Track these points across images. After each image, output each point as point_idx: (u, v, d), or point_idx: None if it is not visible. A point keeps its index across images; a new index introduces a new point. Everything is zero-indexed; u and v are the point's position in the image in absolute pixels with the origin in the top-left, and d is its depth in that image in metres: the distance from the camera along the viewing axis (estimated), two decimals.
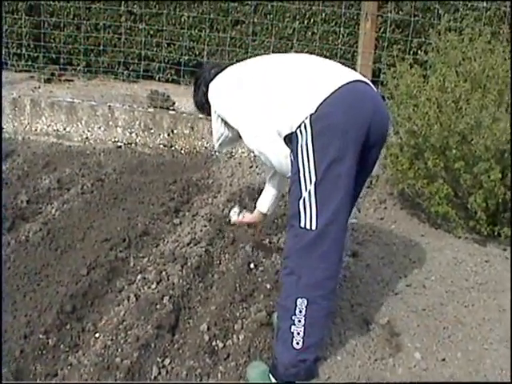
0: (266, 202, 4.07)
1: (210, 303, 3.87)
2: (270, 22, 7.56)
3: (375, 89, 3.22)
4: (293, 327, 3.05)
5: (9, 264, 4.11)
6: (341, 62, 3.32)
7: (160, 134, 6.93)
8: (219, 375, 3.28)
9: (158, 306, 3.72)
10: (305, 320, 3.04)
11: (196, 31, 7.84)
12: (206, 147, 6.82)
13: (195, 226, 4.84)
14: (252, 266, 4.33)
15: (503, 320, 3.95)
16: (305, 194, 2.98)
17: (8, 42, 7.87)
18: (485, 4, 7.30)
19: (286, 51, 7.26)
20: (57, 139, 6.95)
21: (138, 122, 6.95)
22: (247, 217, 4.24)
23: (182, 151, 6.80)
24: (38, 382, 3.15)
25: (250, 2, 7.54)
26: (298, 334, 3.06)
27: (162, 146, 6.88)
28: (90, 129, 7.02)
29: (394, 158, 5.22)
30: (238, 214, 4.25)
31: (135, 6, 7.84)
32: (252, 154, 6.50)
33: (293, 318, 3.05)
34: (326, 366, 3.42)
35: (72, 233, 4.64)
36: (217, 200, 5.44)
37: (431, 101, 4.92)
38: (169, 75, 8.00)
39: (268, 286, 4.08)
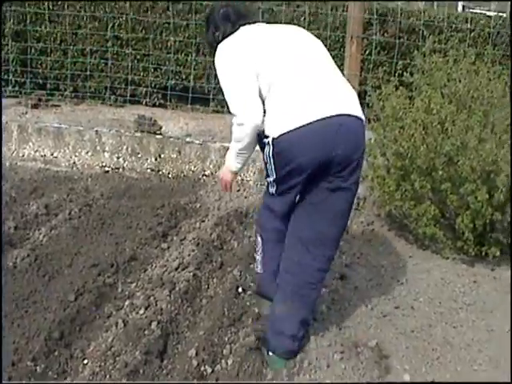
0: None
1: (199, 328, 3.86)
2: None
3: (358, 118, 3.39)
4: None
5: None
6: None
7: (147, 159, 6.93)
8: None
9: (146, 332, 3.71)
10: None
11: (182, 55, 7.89)
12: (193, 171, 6.82)
13: (183, 251, 4.83)
14: (240, 290, 4.32)
15: (492, 340, 3.96)
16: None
17: None
18: (469, 25, 7.37)
19: None
20: (44, 165, 6.93)
21: (125, 147, 6.95)
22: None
23: (170, 175, 6.80)
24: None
25: None
26: None
27: (149, 170, 6.88)
28: (77, 154, 7.01)
29: (381, 179, 5.23)
30: None
31: (122, 31, 7.88)
32: (239, 177, 6.51)
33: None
34: None
35: (60, 258, 4.62)
36: (204, 224, 5.44)
37: (417, 122, 4.94)
38: (156, 99, 8.03)
39: (256, 310, 4.07)
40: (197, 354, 3.55)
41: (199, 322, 3.95)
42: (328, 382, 3.42)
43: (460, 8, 18.70)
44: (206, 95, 7.83)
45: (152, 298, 4.11)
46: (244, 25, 3.61)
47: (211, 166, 6.79)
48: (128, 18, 7.81)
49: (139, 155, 6.93)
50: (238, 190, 6.36)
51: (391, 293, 4.50)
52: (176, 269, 4.52)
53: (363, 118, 3.42)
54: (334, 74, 3.48)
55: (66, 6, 7.90)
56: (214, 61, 3.57)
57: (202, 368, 3.47)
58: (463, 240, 4.90)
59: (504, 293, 4.57)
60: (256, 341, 3.68)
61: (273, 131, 3.29)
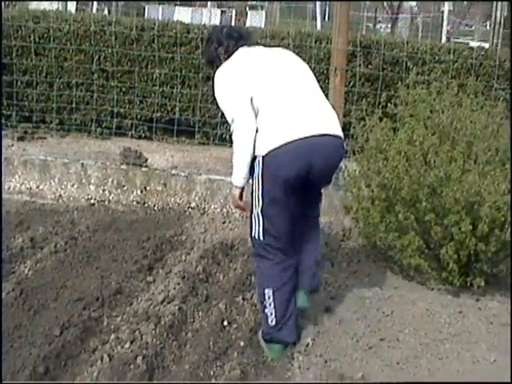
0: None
1: (184, 362, 3.85)
2: None
3: (337, 136, 3.86)
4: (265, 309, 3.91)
5: None
6: None
7: (133, 191, 6.94)
8: None
9: (131, 366, 3.71)
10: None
11: (168, 88, 7.94)
12: (178, 203, 6.82)
13: (168, 284, 4.83)
14: (226, 323, 4.32)
15: (477, 371, 3.97)
16: (255, 212, 3.86)
17: None
18: (452, 56, 7.46)
19: None
20: (30, 197, 6.91)
21: (110, 179, 6.96)
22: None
23: (155, 208, 6.80)
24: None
25: None
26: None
27: (135, 202, 6.88)
28: (63, 186, 7.01)
29: (366, 211, 5.24)
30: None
31: (107, 63, 7.95)
32: (225, 210, 6.54)
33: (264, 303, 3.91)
34: None
35: (45, 292, 4.61)
36: (190, 257, 5.44)
37: (400, 154, 4.99)
38: (141, 132, 8.08)
39: (242, 344, 4.07)
40: None
41: (185, 355, 3.94)
42: None
43: (444, 38, 18.94)
44: (191, 127, 7.86)
45: (137, 331, 4.10)
46: (243, 45, 4.11)
47: (196, 199, 6.80)
48: (113, 50, 7.87)
49: (125, 188, 6.94)
50: (224, 222, 6.37)
51: (376, 325, 4.50)
52: (161, 302, 4.52)
53: (342, 135, 3.91)
54: (316, 97, 3.96)
55: (51, 39, 7.94)
56: (212, 81, 4.06)
57: None
58: (448, 271, 4.92)
59: (488, 323, 4.59)
60: (241, 374, 3.68)
61: (262, 150, 3.72)
